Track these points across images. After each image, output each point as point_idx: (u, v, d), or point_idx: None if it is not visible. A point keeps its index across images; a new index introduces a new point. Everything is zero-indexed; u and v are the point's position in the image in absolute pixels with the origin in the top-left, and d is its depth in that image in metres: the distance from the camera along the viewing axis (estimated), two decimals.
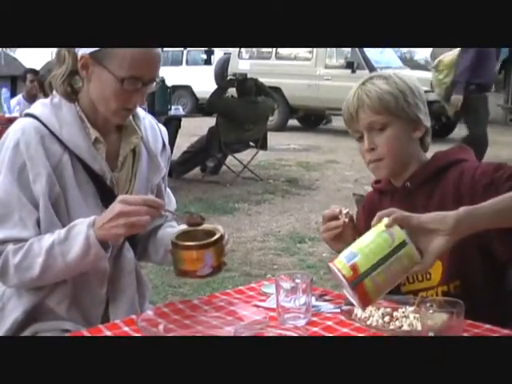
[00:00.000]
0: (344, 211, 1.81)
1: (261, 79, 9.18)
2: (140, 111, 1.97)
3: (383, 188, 2.02)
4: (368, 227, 2.00)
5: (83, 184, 1.81)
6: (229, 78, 8.85)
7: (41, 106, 1.85)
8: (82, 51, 1.76)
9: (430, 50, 15.59)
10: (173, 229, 2.00)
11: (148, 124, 2.00)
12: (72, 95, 1.84)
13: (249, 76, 9.07)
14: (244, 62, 15.42)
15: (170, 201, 2.11)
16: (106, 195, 1.85)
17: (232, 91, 9.20)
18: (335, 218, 1.82)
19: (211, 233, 1.76)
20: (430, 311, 1.44)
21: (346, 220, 1.81)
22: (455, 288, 1.85)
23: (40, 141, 1.76)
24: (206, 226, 1.81)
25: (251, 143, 8.97)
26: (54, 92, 1.85)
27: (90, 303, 1.86)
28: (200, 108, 15.59)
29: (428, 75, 15.06)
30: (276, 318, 1.68)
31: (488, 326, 1.62)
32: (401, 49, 31.39)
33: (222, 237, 1.76)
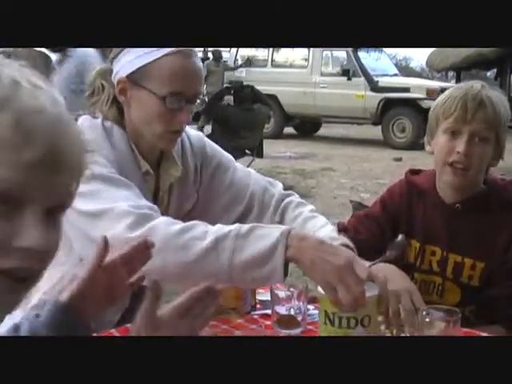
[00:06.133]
0: None
1: (257, 87, 9.18)
2: None
3: (425, 190, 1.95)
4: (389, 226, 1.95)
5: None
6: (225, 85, 8.84)
7: (92, 128, 1.68)
8: (118, 76, 1.67)
9: (426, 57, 15.63)
10: None
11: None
12: (122, 120, 1.71)
13: (245, 84, 9.08)
14: (240, 69, 15.43)
15: None
16: None
17: (228, 99, 9.20)
18: None
19: None
20: (427, 320, 1.43)
21: None
22: (470, 312, 1.85)
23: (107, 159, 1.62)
24: None
25: (247, 151, 8.96)
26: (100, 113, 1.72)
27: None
28: (196, 116, 15.57)
29: (423, 82, 15.18)
30: (271, 326, 1.67)
31: (485, 334, 1.61)
32: (396, 56, 31.52)
33: None
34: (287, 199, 1.88)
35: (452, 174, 1.83)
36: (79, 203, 1.52)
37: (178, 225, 1.45)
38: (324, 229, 1.72)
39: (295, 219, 1.80)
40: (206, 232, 1.44)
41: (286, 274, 1.40)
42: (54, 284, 1.70)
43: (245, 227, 1.45)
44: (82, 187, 1.53)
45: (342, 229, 2.01)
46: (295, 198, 1.89)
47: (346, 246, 1.59)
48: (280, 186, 1.93)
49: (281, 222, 1.82)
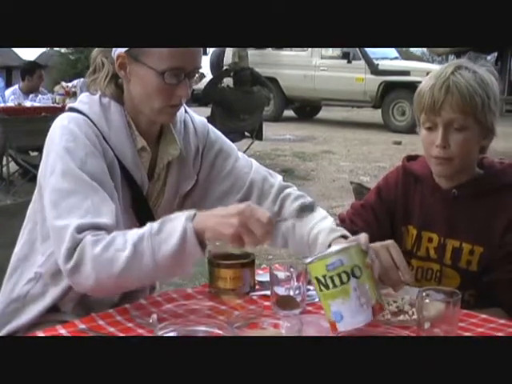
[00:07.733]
0: None
1: (257, 69, 9.15)
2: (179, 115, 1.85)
3: (422, 176, 1.94)
4: (385, 214, 1.95)
5: (121, 189, 1.71)
6: (225, 67, 8.82)
7: (90, 104, 1.72)
8: (117, 51, 1.67)
9: None
10: None
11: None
12: (121, 96, 1.73)
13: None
14: None
15: None
16: (138, 204, 1.77)
17: (228, 81, 9.18)
18: None
19: (244, 253, 1.78)
20: (426, 301, 1.43)
21: None
22: (469, 295, 1.85)
23: (97, 139, 1.66)
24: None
25: (247, 133, 8.96)
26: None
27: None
28: (195, 98, 15.54)
29: (424, 66, 15.14)
30: (270, 307, 1.67)
31: (484, 315, 1.61)
32: None
33: (254, 256, 1.78)
34: (286, 190, 1.90)
35: (438, 166, 1.83)
36: (52, 196, 1.59)
37: (101, 242, 1.52)
38: (325, 221, 1.77)
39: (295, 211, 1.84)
40: (125, 242, 1.52)
41: (204, 246, 1.51)
42: (47, 256, 1.72)
43: (156, 224, 1.53)
44: (57, 181, 1.58)
45: (340, 220, 2.01)
46: (294, 189, 1.92)
47: (345, 237, 1.66)
48: (280, 177, 1.95)
49: (279, 211, 1.85)
